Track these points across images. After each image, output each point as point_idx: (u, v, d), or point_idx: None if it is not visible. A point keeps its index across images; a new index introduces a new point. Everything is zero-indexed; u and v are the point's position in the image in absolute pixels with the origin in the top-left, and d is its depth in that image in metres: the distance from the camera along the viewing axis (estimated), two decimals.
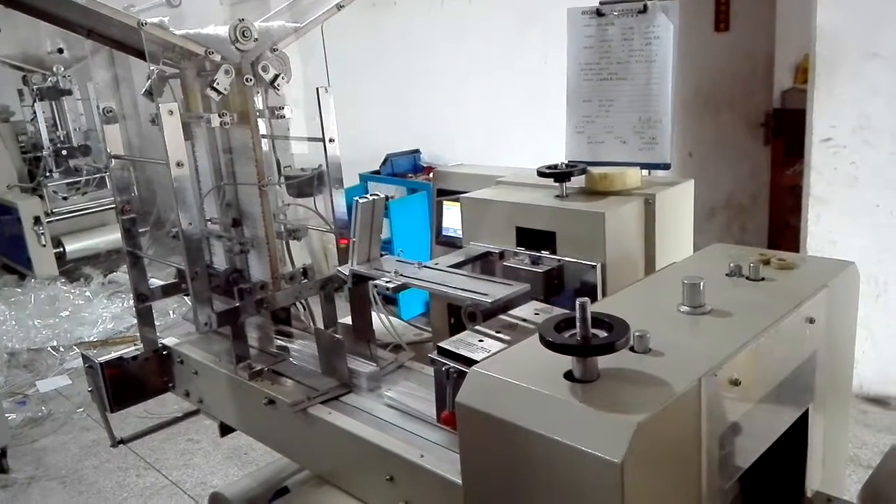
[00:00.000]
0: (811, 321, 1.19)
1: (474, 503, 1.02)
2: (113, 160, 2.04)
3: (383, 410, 1.61)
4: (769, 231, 4.96)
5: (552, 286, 1.64)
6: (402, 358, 1.86)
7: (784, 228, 4.75)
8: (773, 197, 4.97)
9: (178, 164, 1.75)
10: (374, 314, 1.95)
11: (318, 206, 2.04)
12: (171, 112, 1.69)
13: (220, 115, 1.85)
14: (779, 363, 1.13)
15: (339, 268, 1.75)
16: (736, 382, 1.00)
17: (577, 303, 0.94)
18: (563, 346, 0.93)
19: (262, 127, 1.93)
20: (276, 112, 1.89)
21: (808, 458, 1.28)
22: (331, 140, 1.97)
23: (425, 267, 1.65)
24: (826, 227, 3.51)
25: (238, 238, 1.91)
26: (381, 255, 1.73)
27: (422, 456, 1.39)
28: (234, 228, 1.94)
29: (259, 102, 1.87)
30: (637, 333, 1.02)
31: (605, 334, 0.94)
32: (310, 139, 2.01)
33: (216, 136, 1.94)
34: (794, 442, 1.27)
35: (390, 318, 2.01)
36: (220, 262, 2.05)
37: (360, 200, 1.64)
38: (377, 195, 1.70)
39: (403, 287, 1.57)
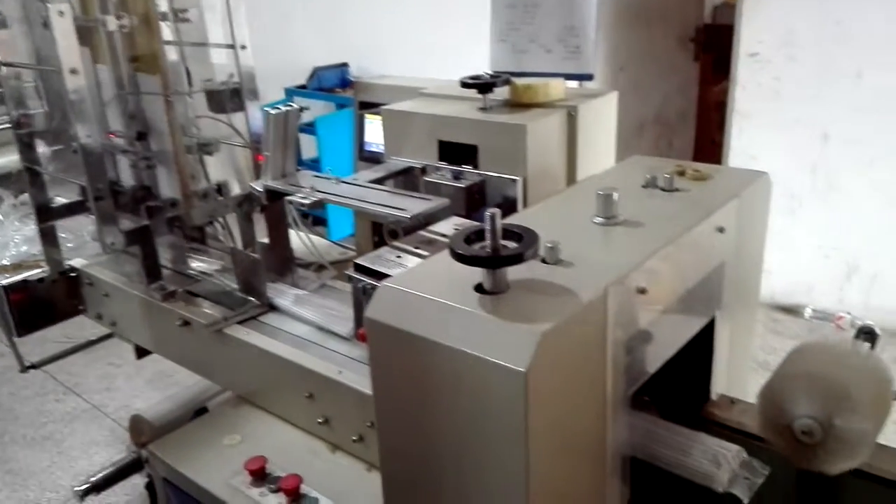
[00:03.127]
0: (721, 230, 1.21)
1: (385, 417, 1.01)
2: (4, 68, 1.89)
3: (302, 329, 1.58)
4: (695, 147, 5.05)
5: (474, 201, 1.62)
6: (324, 277, 1.83)
7: (709, 145, 4.84)
8: (701, 113, 5.04)
9: (73, 72, 1.62)
10: (295, 233, 1.90)
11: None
12: (61, 13, 1.55)
13: (117, 18, 1.71)
14: (687, 272, 1.15)
15: (252, 184, 1.68)
16: (643, 291, 1.01)
17: (486, 214, 0.91)
18: (471, 259, 0.91)
19: (170, 33, 1.79)
20: (180, 15, 1.76)
21: (714, 364, 1.33)
22: (242, 47, 1.85)
23: (343, 182, 1.59)
24: (747, 142, 3.58)
25: (143, 152, 1.80)
26: (298, 170, 1.66)
27: (340, 372, 1.39)
28: (139, 142, 1.82)
29: (162, 4, 1.73)
30: (548, 245, 1.01)
31: (516, 245, 0.93)
32: (219, 46, 1.89)
33: (117, 42, 1.79)
34: (700, 348, 1.31)
35: (311, 236, 1.96)
36: (128, 178, 1.94)
37: (272, 111, 1.56)
38: (291, 105, 1.61)
39: (319, 203, 1.51)
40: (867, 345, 1.18)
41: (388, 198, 1.49)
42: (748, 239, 1.34)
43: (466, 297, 0.92)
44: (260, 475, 1.39)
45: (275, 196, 1.63)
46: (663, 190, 1.28)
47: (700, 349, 1.32)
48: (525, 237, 0.93)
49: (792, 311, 3.62)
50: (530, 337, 0.83)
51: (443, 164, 1.67)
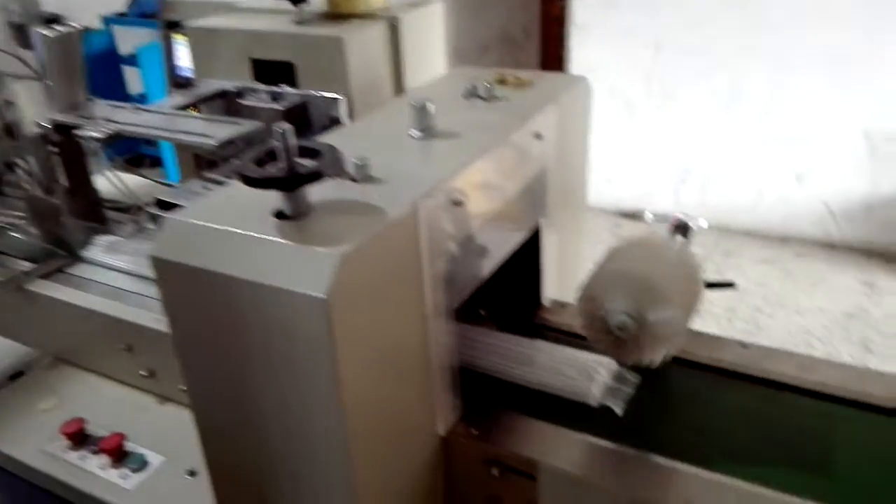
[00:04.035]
0: (539, 137, 1.19)
1: (189, 366, 0.93)
2: None
3: (115, 278, 1.45)
4: (541, 63, 5.08)
5: (296, 124, 1.50)
6: (143, 220, 1.67)
7: (555, 60, 4.89)
8: (544, 29, 5.05)
9: None
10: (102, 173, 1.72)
11: None
12: None
13: None
14: (506, 181, 1.13)
15: (38, 119, 1.47)
16: (458, 203, 0.97)
17: (276, 130, 0.83)
18: (262, 181, 0.82)
19: None
20: None
21: (543, 270, 1.34)
22: None
23: (144, 110, 1.43)
24: (586, 54, 3.65)
25: None
26: (90, 100, 1.47)
27: (159, 320, 1.28)
28: None
29: None
30: (356, 162, 0.95)
31: (314, 164, 0.85)
32: None
33: None
34: (530, 256, 1.31)
35: (122, 174, 1.78)
36: None
37: (48, 34, 1.35)
38: (73, 26, 1.41)
39: (116, 136, 1.35)
40: (681, 238, 1.23)
41: (194, 124, 1.35)
42: (570, 144, 1.34)
43: (263, 224, 0.84)
44: (78, 438, 1.29)
45: (64, 131, 1.44)
46: (483, 99, 1.24)
47: (530, 258, 1.32)
48: (324, 154, 0.86)
49: (634, 216, 3.82)
50: (329, 260, 0.77)
51: (258, 85, 1.54)
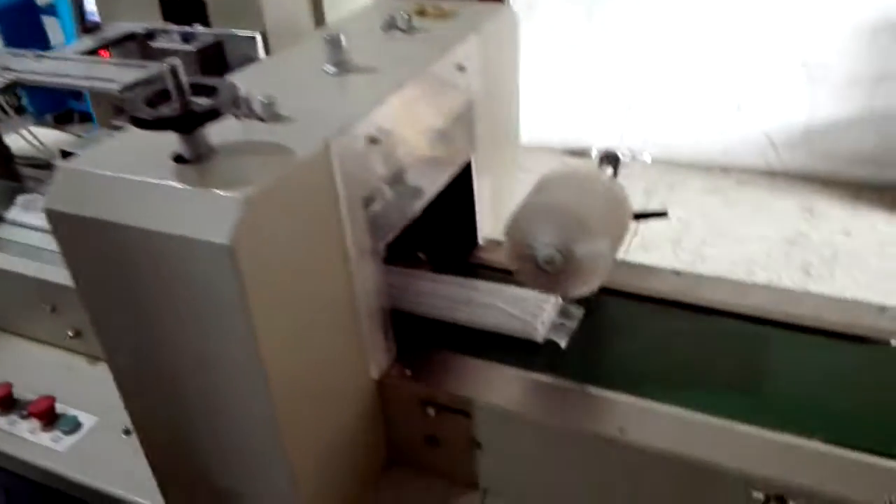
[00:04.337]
0: (461, 69, 1.14)
1: (100, 324, 0.89)
2: None
3: (34, 237, 1.38)
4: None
5: (211, 65, 1.43)
6: None
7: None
8: None
9: None
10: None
11: None
12: None
13: None
14: (427, 116, 1.09)
15: None
16: (375, 140, 0.93)
17: (165, 68, 0.77)
18: (154, 122, 0.77)
19: None
20: None
21: (477, 208, 1.31)
22: None
23: (46, 57, 1.34)
24: None
25: None
26: None
27: None
28: None
29: None
30: (262, 100, 0.89)
31: (210, 101, 0.80)
32: None
33: None
34: (463, 194, 1.28)
35: (33, 128, 1.68)
36: None
37: None
38: None
39: (15, 84, 1.26)
40: (609, 169, 1.21)
41: (98, 69, 1.27)
42: (496, 76, 1.30)
43: (161, 169, 0.79)
44: (6, 403, 1.25)
45: None
46: (402, 31, 1.19)
47: (463, 196, 1.29)
48: (221, 91, 0.81)
49: (580, 153, 3.81)
50: (232, 205, 0.73)
51: (169, 26, 1.45)
